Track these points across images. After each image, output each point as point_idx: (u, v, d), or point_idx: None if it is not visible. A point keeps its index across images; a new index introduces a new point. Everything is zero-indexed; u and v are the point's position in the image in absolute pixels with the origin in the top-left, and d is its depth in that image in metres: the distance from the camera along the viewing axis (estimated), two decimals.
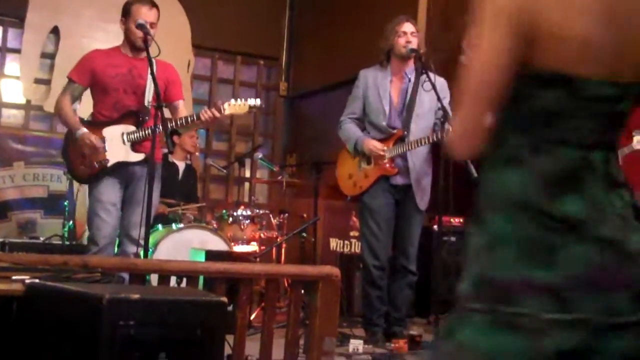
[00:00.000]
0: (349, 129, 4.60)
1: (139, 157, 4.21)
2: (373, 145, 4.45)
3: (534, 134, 1.37)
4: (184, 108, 4.42)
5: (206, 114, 4.07)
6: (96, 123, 4.26)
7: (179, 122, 4.16)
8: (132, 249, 4.12)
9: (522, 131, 1.38)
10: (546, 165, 1.35)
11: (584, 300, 1.28)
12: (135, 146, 4.22)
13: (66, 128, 4.36)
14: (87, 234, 6.01)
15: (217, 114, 4.08)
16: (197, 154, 6.79)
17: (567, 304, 1.28)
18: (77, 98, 4.37)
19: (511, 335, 1.29)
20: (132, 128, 4.21)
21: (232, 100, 4.19)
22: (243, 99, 4.22)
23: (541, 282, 1.29)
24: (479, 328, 1.32)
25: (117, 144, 4.19)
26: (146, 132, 4.16)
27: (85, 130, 4.17)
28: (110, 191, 4.18)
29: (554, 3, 1.32)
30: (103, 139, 4.18)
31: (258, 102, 4.30)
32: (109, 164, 4.17)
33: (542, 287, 1.29)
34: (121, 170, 4.21)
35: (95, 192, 4.19)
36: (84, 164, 4.22)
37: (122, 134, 4.20)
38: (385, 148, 4.44)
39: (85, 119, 4.37)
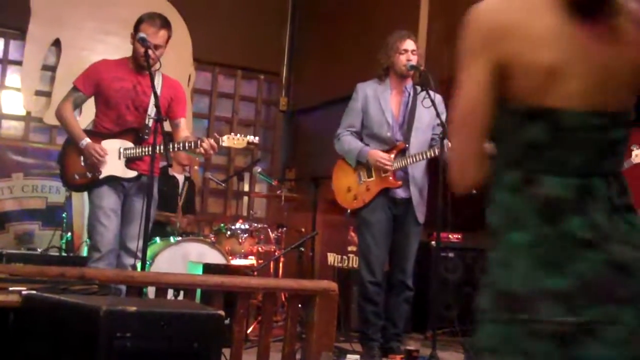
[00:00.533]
0: (349, 141, 4.56)
1: (131, 174, 4.24)
2: (380, 156, 4.42)
3: (524, 165, 1.45)
4: (185, 127, 4.45)
5: (204, 144, 4.09)
6: (96, 134, 4.29)
7: (176, 147, 4.19)
8: (129, 261, 4.14)
9: (514, 163, 1.47)
10: (541, 193, 1.43)
11: (588, 307, 1.36)
12: (129, 163, 4.24)
13: (67, 134, 4.36)
14: (84, 245, 6.04)
15: (214, 146, 4.11)
16: (195, 167, 6.80)
17: (575, 309, 1.36)
18: (78, 106, 4.39)
19: (533, 341, 1.37)
20: (129, 144, 4.24)
21: (232, 134, 4.25)
22: (242, 135, 4.28)
23: (553, 289, 1.37)
24: (501, 336, 1.41)
25: (112, 158, 4.21)
26: (143, 150, 4.20)
27: (89, 140, 4.19)
28: (109, 197, 4.20)
29: (519, 36, 1.41)
30: None
31: (257, 139, 4.37)
32: (101, 176, 4.19)
33: (553, 294, 1.37)
34: (113, 183, 4.23)
35: (95, 198, 4.21)
36: (77, 172, 4.24)
37: (119, 148, 4.23)
38: (391, 158, 4.42)
39: (86, 127, 4.37)
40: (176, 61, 6.75)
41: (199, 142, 4.10)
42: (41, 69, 7.15)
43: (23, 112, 7.19)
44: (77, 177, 4.25)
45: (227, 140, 4.19)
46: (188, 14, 7.59)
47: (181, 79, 7.28)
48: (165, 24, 4.23)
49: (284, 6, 8.41)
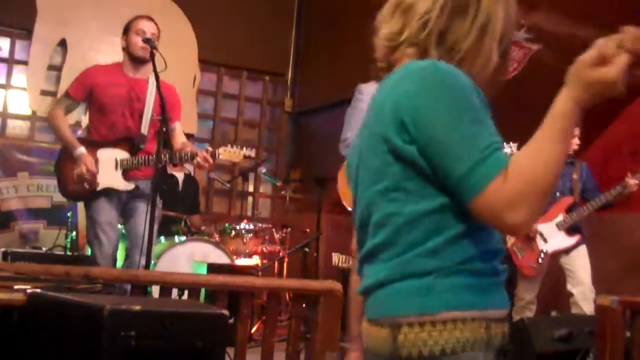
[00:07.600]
0: None
1: (128, 186, 4.19)
2: None
3: None
4: (181, 131, 4.39)
5: (200, 157, 4.06)
6: (91, 142, 4.24)
7: (174, 157, 4.12)
8: (140, 258, 4.09)
9: None
10: None
11: None
12: (126, 174, 4.19)
13: (60, 142, 4.35)
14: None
15: (209, 159, 4.08)
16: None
17: None
18: (70, 112, 4.35)
19: None
20: (126, 155, 4.19)
21: (228, 146, 4.25)
22: (238, 148, 4.27)
23: None
24: None
25: (109, 169, 4.16)
26: (139, 160, 4.15)
27: (83, 150, 4.14)
28: (106, 210, 4.16)
29: None
30: (97, 161, 4.17)
31: (253, 152, 4.39)
32: (98, 188, 4.16)
33: None
34: (111, 194, 4.19)
35: (92, 212, 4.18)
36: (74, 182, 4.19)
37: (116, 159, 4.18)
38: None
39: (79, 134, 4.34)
40: (181, 62, 6.76)
41: (195, 157, 4.07)
42: (47, 69, 7.18)
43: (29, 112, 7.22)
44: (74, 186, 4.21)
45: (223, 153, 4.19)
46: (193, 14, 7.60)
47: (186, 79, 7.31)
48: (152, 19, 4.24)
49: (289, 7, 8.42)
